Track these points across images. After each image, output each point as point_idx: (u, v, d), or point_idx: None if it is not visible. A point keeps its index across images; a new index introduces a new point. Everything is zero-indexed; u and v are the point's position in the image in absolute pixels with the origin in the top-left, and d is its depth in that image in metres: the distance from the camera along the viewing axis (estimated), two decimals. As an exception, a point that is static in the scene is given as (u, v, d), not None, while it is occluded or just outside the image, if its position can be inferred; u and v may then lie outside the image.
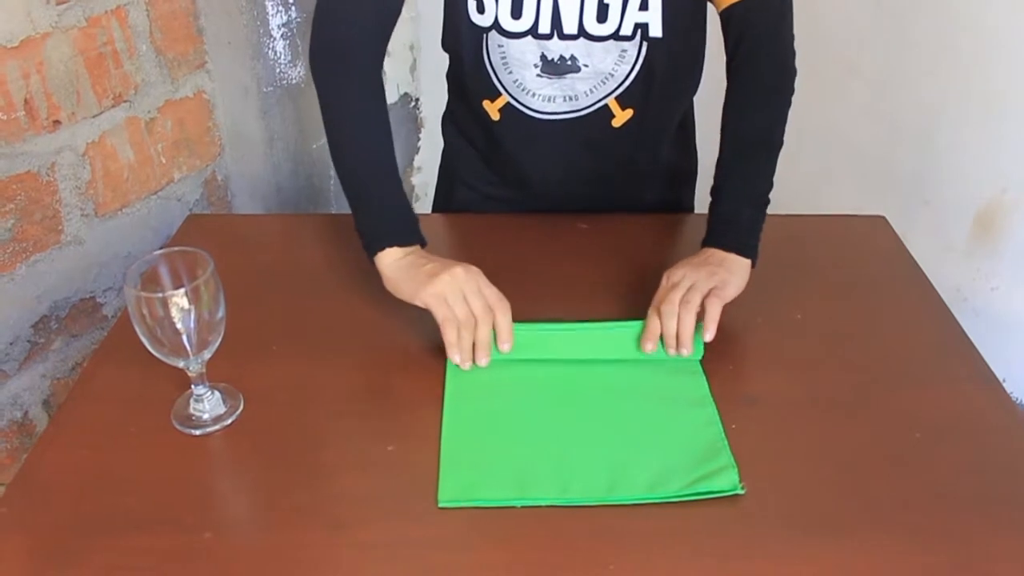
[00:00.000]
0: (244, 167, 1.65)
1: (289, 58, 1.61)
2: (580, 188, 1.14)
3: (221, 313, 0.79)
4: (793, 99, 0.99)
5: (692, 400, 0.85)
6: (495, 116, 1.08)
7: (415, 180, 2.22)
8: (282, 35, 1.58)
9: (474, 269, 0.90)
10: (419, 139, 2.21)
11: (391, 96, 1.56)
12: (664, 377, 0.88)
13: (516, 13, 0.96)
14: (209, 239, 1.05)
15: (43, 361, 1.34)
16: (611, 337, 0.91)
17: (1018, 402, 1.58)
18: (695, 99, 1.15)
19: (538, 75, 1.01)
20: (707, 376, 0.88)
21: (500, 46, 1.00)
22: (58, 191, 1.28)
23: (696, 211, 1.23)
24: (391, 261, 0.92)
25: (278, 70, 1.60)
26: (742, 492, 0.74)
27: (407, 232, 0.94)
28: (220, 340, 0.80)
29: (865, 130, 1.82)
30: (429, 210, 1.27)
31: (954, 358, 0.93)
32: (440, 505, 0.73)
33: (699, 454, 0.79)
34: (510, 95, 1.05)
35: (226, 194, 1.66)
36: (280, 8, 1.56)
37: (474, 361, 0.88)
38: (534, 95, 1.04)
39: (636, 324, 0.92)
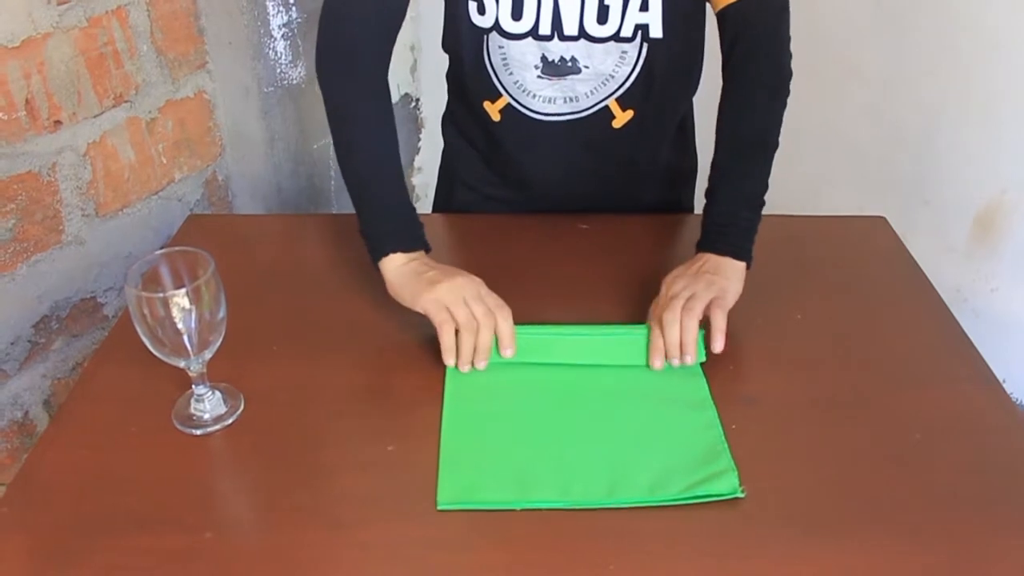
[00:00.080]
0: (245, 167, 1.65)
1: (290, 58, 1.61)
2: (580, 189, 1.15)
3: (222, 313, 0.79)
4: (793, 99, 0.99)
5: (692, 402, 0.85)
6: (495, 117, 1.08)
7: (416, 180, 2.22)
8: (283, 35, 1.58)
9: (476, 278, 0.90)
10: (419, 139, 2.22)
11: (391, 96, 1.56)
12: (664, 379, 0.88)
13: (516, 14, 0.96)
14: (210, 239, 1.05)
15: (44, 361, 1.34)
16: (612, 344, 0.91)
17: (1018, 403, 1.58)
18: (695, 99, 1.15)
19: (539, 76, 1.01)
20: (707, 377, 0.88)
21: (501, 47, 1.00)
22: (59, 191, 1.29)
23: (696, 211, 1.23)
24: (395, 267, 0.92)
25: (279, 70, 1.60)
26: (742, 496, 0.75)
27: (411, 238, 0.94)
28: (221, 340, 0.80)
29: (865, 130, 1.82)
30: (429, 210, 1.27)
31: (954, 358, 0.93)
32: (439, 507, 0.74)
33: (699, 457, 0.79)
34: (510, 96, 1.05)
35: (227, 194, 1.66)
36: (281, 8, 1.56)
37: (473, 365, 0.88)
38: (535, 96, 1.04)
39: (637, 330, 0.92)
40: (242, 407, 0.84)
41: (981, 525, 0.73)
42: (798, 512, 0.74)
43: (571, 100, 1.04)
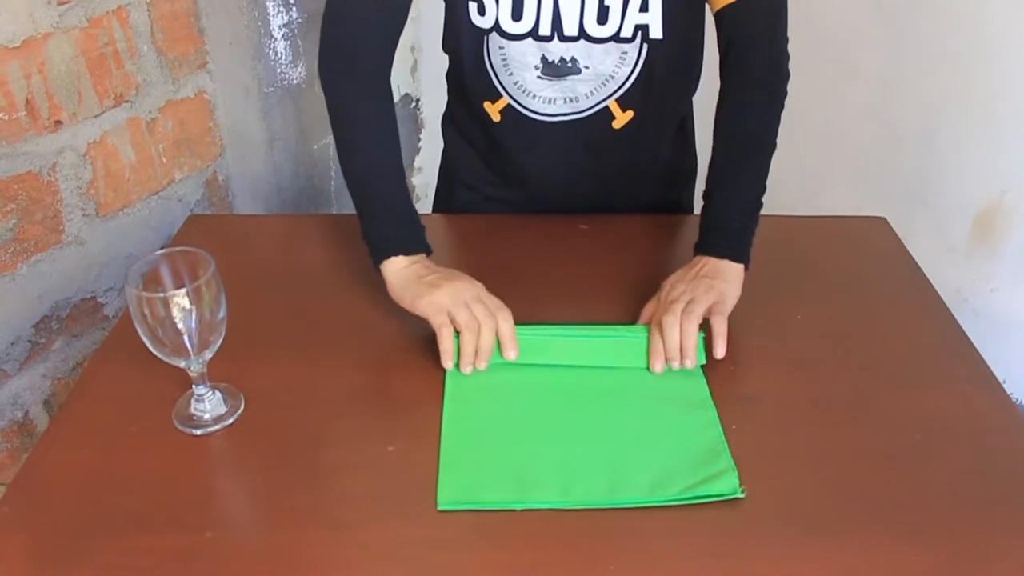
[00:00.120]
0: (245, 167, 1.65)
1: (290, 59, 1.61)
2: (580, 189, 1.15)
3: (222, 313, 0.79)
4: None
5: (692, 402, 0.85)
6: (495, 118, 1.08)
7: (416, 181, 2.22)
8: (283, 35, 1.58)
9: (476, 282, 0.91)
10: (420, 140, 2.22)
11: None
12: (664, 380, 0.88)
13: (516, 15, 0.96)
14: (210, 239, 1.05)
15: (44, 361, 1.34)
16: (612, 345, 0.91)
17: (1018, 403, 1.58)
18: (695, 99, 1.15)
19: (539, 77, 1.01)
20: (707, 377, 0.88)
21: (501, 48, 1.00)
22: (59, 191, 1.29)
23: (696, 212, 1.23)
24: (396, 270, 0.93)
25: (279, 70, 1.60)
26: (742, 496, 0.75)
27: (413, 241, 0.95)
28: (221, 340, 0.80)
29: (865, 130, 1.82)
30: (430, 210, 1.27)
31: (954, 359, 0.93)
32: (440, 508, 0.74)
33: (699, 457, 0.79)
34: (511, 97, 1.05)
35: (227, 194, 1.66)
36: (281, 9, 1.56)
37: (474, 365, 0.88)
38: (535, 97, 1.04)
39: (637, 332, 0.92)
40: (242, 407, 0.84)
41: (981, 525, 0.73)
42: (798, 512, 0.74)
43: (571, 100, 1.04)
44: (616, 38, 0.97)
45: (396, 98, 1.00)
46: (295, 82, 1.64)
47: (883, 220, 1.17)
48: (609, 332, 0.92)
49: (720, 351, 0.88)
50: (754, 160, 0.98)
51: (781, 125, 0.98)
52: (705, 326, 0.89)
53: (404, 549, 0.71)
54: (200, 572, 0.69)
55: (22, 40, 1.18)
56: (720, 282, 0.92)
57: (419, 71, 2.13)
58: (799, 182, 1.61)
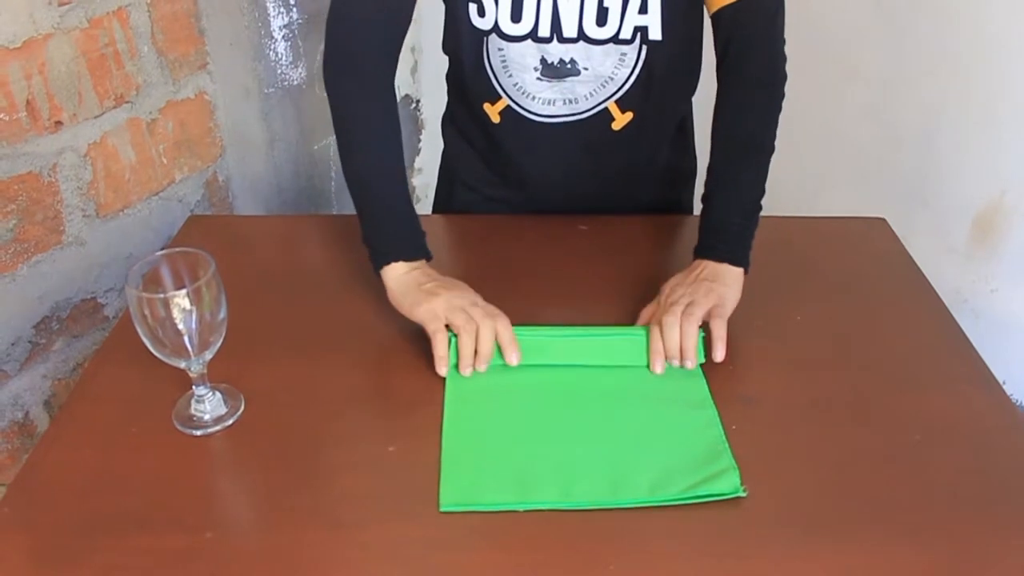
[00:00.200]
0: (245, 168, 1.65)
1: (290, 59, 1.61)
2: (580, 190, 1.15)
3: (222, 314, 0.79)
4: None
5: (692, 402, 0.85)
6: (495, 119, 1.08)
7: (416, 181, 2.22)
8: (283, 36, 1.58)
9: (474, 292, 0.91)
10: (420, 140, 2.22)
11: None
12: (664, 379, 0.88)
13: (516, 16, 0.96)
14: (210, 240, 1.05)
15: (44, 361, 1.34)
16: (612, 345, 0.91)
17: (1018, 404, 1.58)
18: (694, 100, 1.15)
19: (538, 78, 1.01)
20: (707, 378, 0.88)
21: (500, 49, 1.00)
22: (59, 192, 1.29)
23: (695, 212, 1.23)
24: (396, 275, 0.93)
25: (279, 71, 1.60)
26: (744, 495, 0.75)
27: (413, 247, 0.95)
28: (221, 341, 0.80)
29: (865, 131, 1.82)
30: (430, 211, 1.27)
31: (954, 360, 0.93)
32: (442, 509, 0.74)
33: (700, 456, 0.79)
34: (510, 98, 1.05)
35: (227, 195, 1.66)
36: (282, 9, 1.56)
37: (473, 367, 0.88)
38: (534, 98, 1.04)
39: (637, 332, 0.92)
40: (242, 408, 0.84)
41: (981, 525, 0.73)
42: (798, 512, 0.74)
43: (570, 102, 1.04)
44: (615, 40, 0.97)
45: (397, 99, 1.00)
46: (295, 83, 1.64)
47: (883, 221, 1.17)
48: (609, 332, 0.92)
49: (719, 355, 0.88)
50: (753, 161, 0.98)
51: (781, 125, 0.98)
52: (705, 330, 0.89)
53: (404, 549, 0.71)
54: (200, 572, 0.69)
55: (23, 41, 1.18)
56: (720, 286, 0.92)
57: (419, 72, 2.13)
58: (799, 182, 1.61)
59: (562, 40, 0.97)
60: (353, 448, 0.81)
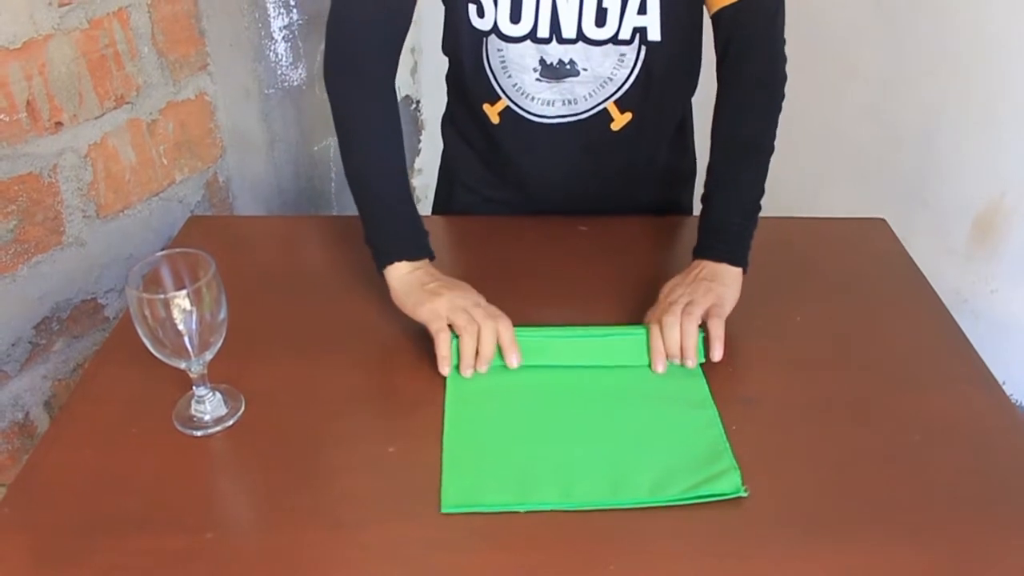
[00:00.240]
0: (245, 169, 1.65)
1: (290, 60, 1.61)
2: (579, 190, 1.15)
3: (223, 314, 0.79)
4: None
5: (693, 402, 0.85)
6: (495, 120, 1.08)
7: (416, 182, 2.22)
8: (284, 37, 1.58)
9: (477, 293, 0.92)
10: (420, 141, 2.22)
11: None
12: (664, 379, 0.88)
13: (515, 17, 0.96)
14: (210, 240, 1.05)
15: (44, 362, 1.34)
16: (612, 345, 0.91)
17: (1017, 404, 1.58)
18: (693, 101, 1.15)
19: (537, 79, 1.01)
20: (707, 378, 0.88)
21: (499, 50, 1.00)
22: (60, 192, 1.29)
23: (694, 213, 1.23)
24: (399, 275, 0.93)
25: (279, 72, 1.60)
26: (745, 495, 0.75)
27: (416, 247, 0.95)
28: (222, 341, 0.80)
29: (865, 131, 1.82)
30: (429, 212, 1.27)
31: (954, 360, 0.93)
32: (443, 511, 0.74)
33: (701, 456, 0.79)
34: (509, 99, 1.05)
35: (227, 196, 1.66)
36: (282, 10, 1.56)
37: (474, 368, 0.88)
38: (533, 99, 1.04)
39: (636, 332, 0.92)
40: (243, 408, 0.84)
41: (981, 525, 0.73)
42: (798, 512, 0.74)
43: (570, 103, 1.04)
44: (614, 40, 0.97)
45: (397, 99, 1.00)
46: (295, 84, 1.64)
47: (883, 221, 1.17)
48: (609, 332, 0.92)
49: (717, 354, 0.88)
50: (753, 161, 0.98)
51: (781, 125, 0.99)
52: (703, 328, 0.89)
53: (404, 550, 0.71)
54: (200, 573, 0.69)
55: (23, 42, 1.18)
56: (718, 285, 0.92)
57: (419, 73, 2.13)
58: (799, 182, 1.61)
59: (561, 41, 0.97)
60: (353, 449, 0.81)
